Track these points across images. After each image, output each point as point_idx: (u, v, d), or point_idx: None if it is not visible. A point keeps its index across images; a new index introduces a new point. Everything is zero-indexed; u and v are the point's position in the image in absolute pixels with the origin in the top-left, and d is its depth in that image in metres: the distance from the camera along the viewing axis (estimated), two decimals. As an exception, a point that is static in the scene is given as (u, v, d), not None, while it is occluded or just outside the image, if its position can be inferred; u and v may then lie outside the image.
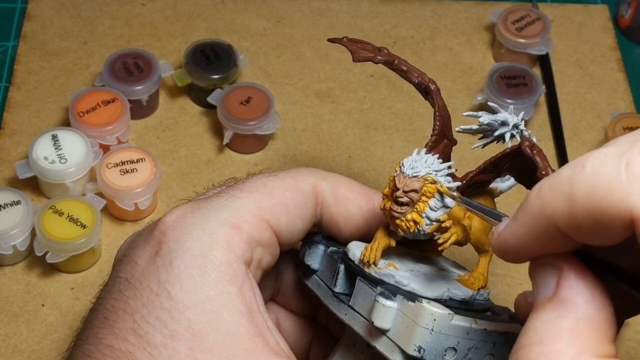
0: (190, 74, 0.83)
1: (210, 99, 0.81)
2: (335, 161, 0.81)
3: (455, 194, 0.50)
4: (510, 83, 0.84)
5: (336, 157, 0.82)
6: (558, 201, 0.38)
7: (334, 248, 0.55)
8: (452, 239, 0.49)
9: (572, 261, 0.40)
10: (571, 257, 0.40)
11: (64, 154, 0.75)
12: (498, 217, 0.44)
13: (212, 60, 0.83)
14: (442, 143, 0.54)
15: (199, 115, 0.84)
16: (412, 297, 0.49)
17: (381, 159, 0.82)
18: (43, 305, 0.72)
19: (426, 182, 0.49)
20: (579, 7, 0.95)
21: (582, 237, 0.38)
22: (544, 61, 0.89)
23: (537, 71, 0.88)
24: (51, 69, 0.86)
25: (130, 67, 0.82)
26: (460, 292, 0.52)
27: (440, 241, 0.50)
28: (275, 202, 0.53)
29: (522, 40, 0.87)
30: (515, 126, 0.51)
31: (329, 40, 0.58)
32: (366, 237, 0.55)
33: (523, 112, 0.53)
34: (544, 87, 0.85)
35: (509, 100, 0.82)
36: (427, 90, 0.55)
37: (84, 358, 0.48)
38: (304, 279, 0.57)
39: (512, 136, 0.51)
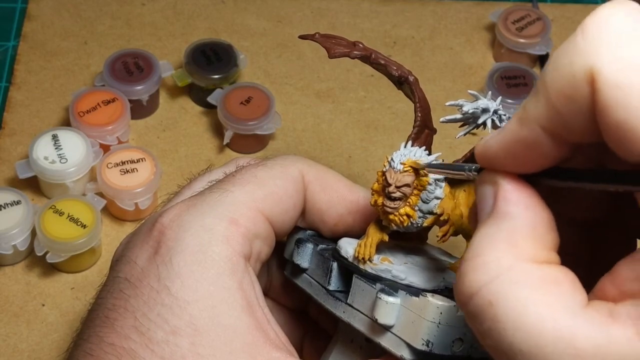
0: (191, 74, 0.83)
1: (211, 99, 0.81)
2: (335, 161, 0.81)
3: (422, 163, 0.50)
4: (510, 83, 0.84)
5: (336, 157, 0.82)
6: (538, 102, 0.38)
7: (324, 246, 0.55)
8: (451, 230, 0.50)
9: (508, 176, 0.41)
10: (508, 173, 0.41)
11: (64, 153, 0.75)
12: (462, 168, 0.45)
13: (212, 60, 0.83)
14: (423, 133, 0.54)
15: (199, 115, 0.84)
16: (414, 291, 0.49)
17: (381, 159, 0.80)
18: (43, 305, 0.72)
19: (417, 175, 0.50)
20: (579, 7, 0.95)
21: (566, 129, 0.38)
22: (544, 61, 0.89)
23: (537, 71, 0.88)
24: (51, 68, 0.86)
25: (131, 67, 0.82)
26: (454, 279, 0.52)
27: (440, 234, 0.50)
28: (268, 192, 0.53)
29: (522, 40, 0.87)
30: (495, 112, 0.51)
31: (300, 37, 0.57)
32: (350, 231, 0.55)
33: (500, 97, 0.53)
34: (544, 87, 0.85)
35: (510, 101, 0.82)
36: (406, 82, 0.55)
37: (86, 357, 0.48)
38: (292, 278, 0.56)
39: (493, 122, 0.51)
